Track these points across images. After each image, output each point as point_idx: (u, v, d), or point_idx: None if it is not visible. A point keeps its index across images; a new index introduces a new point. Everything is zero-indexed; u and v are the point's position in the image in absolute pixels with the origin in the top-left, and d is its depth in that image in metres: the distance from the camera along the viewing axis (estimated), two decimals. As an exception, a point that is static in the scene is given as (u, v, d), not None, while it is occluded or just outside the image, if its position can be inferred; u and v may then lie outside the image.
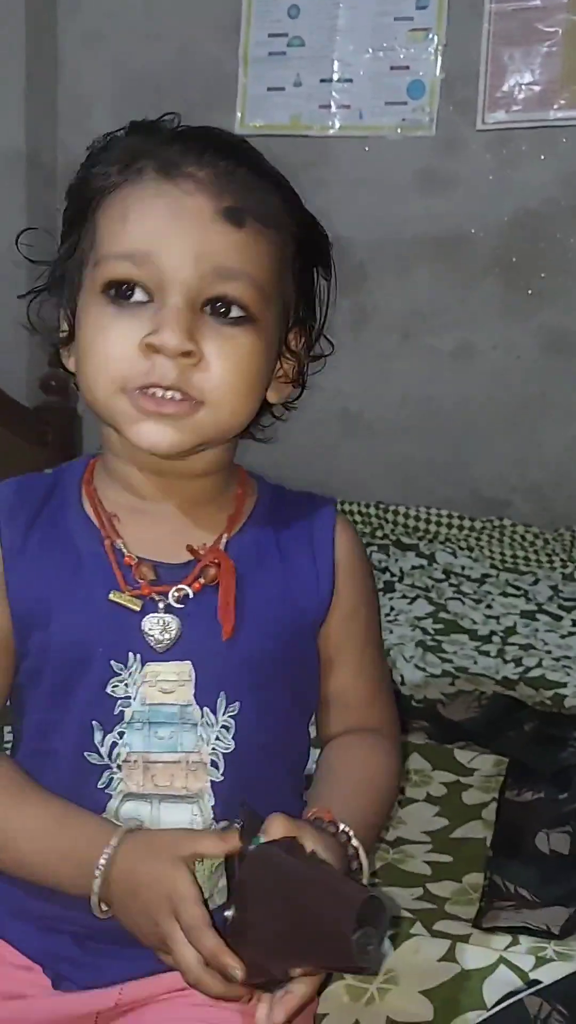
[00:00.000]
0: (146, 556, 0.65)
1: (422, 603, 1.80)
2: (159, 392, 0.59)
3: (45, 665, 0.64)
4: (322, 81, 2.38)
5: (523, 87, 2.24)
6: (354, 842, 0.64)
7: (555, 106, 2.22)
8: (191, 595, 0.64)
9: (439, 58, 2.29)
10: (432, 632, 1.66)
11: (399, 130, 2.34)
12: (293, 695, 0.70)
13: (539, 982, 0.71)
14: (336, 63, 2.36)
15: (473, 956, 0.74)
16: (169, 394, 0.59)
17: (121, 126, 0.68)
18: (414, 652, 1.53)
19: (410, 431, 2.40)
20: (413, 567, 2.01)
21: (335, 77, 2.36)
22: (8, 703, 0.70)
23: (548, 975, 0.71)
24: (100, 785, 0.63)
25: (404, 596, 1.84)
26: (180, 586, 0.64)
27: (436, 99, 2.30)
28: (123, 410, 0.61)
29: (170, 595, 0.64)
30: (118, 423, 0.62)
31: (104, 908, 0.60)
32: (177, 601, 0.64)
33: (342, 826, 0.64)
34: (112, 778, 0.63)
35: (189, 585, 0.64)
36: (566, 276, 2.25)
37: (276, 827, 0.58)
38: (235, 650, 0.64)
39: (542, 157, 2.25)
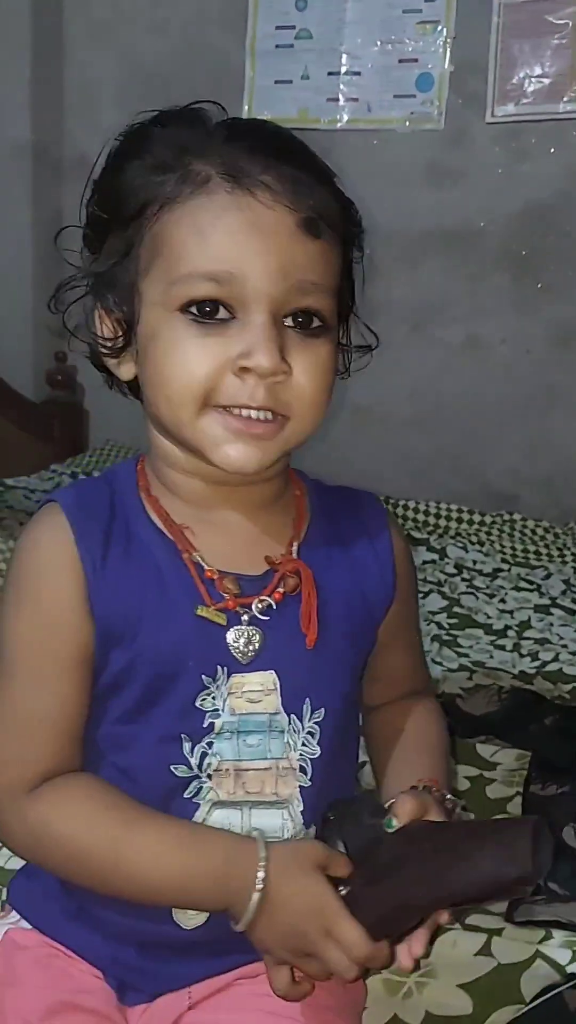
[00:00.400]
0: (223, 568, 0.64)
1: (435, 598, 1.80)
2: (248, 412, 0.59)
3: (129, 680, 0.63)
4: (330, 74, 2.37)
5: (532, 80, 2.23)
6: (458, 809, 0.66)
7: (565, 99, 2.21)
8: (273, 605, 0.64)
9: (448, 51, 2.28)
10: (447, 627, 1.66)
11: (408, 123, 2.33)
12: (359, 697, 0.72)
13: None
14: (344, 56, 2.35)
15: (509, 950, 0.74)
16: (258, 414, 0.59)
17: (135, 116, 0.65)
18: (430, 647, 1.53)
19: (420, 424, 2.39)
20: (425, 562, 2.01)
21: (343, 70, 2.35)
22: None
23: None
24: (187, 795, 0.63)
25: (418, 591, 1.84)
26: (262, 598, 0.64)
27: (445, 92, 2.29)
28: (211, 432, 0.59)
29: (253, 607, 0.63)
30: (203, 445, 0.60)
31: (238, 923, 0.60)
32: (260, 612, 0.63)
33: (448, 795, 0.66)
34: (201, 787, 0.63)
35: (270, 596, 0.64)
36: (574, 269, 2.24)
37: (407, 807, 0.60)
38: (319, 657, 0.65)
39: (552, 150, 2.24)
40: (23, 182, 2.47)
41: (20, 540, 0.65)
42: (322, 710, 0.65)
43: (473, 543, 2.14)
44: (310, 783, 0.64)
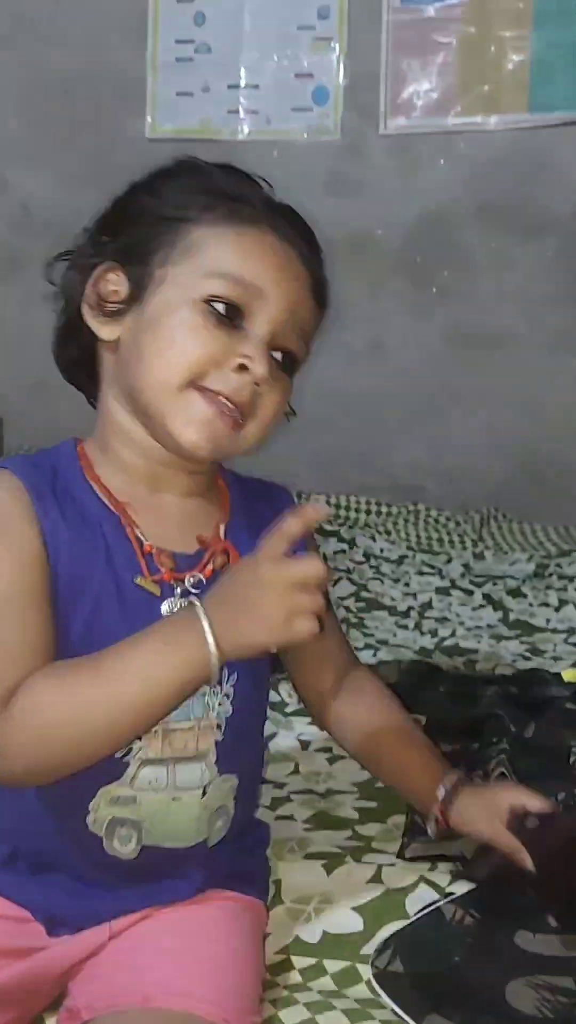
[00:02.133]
0: (159, 545, 0.71)
1: (345, 584, 1.90)
2: (224, 403, 0.68)
3: (68, 643, 0.67)
4: (230, 87, 2.46)
5: (422, 94, 2.36)
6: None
7: (452, 112, 2.35)
8: (204, 580, 0.72)
9: (341, 66, 2.40)
10: (355, 610, 1.77)
11: (305, 135, 2.44)
12: (266, 663, 0.80)
13: (453, 894, 0.81)
14: (243, 70, 2.44)
15: (397, 876, 0.84)
16: (231, 407, 0.68)
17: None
18: (338, 629, 1.63)
19: (328, 423, 2.49)
20: (335, 552, 2.11)
21: (242, 83, 2.45)
22: None
23: (463, 890, 0.82)
24: (119, 755, 0.69)
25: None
26: (194, 573, 0.71)
27: (340, 105, 2.41)
28: (186, 407, 0.68)
29: (186, 581, 0.71)
30: (172, 417, 0.68)
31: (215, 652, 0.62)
32: (192, 586, 0.71)
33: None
34: (131, 747, 0.69)
35: (201, 572, 0.72)
36: (467, 274, 2.39)
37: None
38: None
39: (442, 161, 2.38)
40: None
41: None
42: (235, 674, 0.73)
43: (380, 533, 2.25)
44: (223, 737, 0.73)
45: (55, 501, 0.68)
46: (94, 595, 0.68)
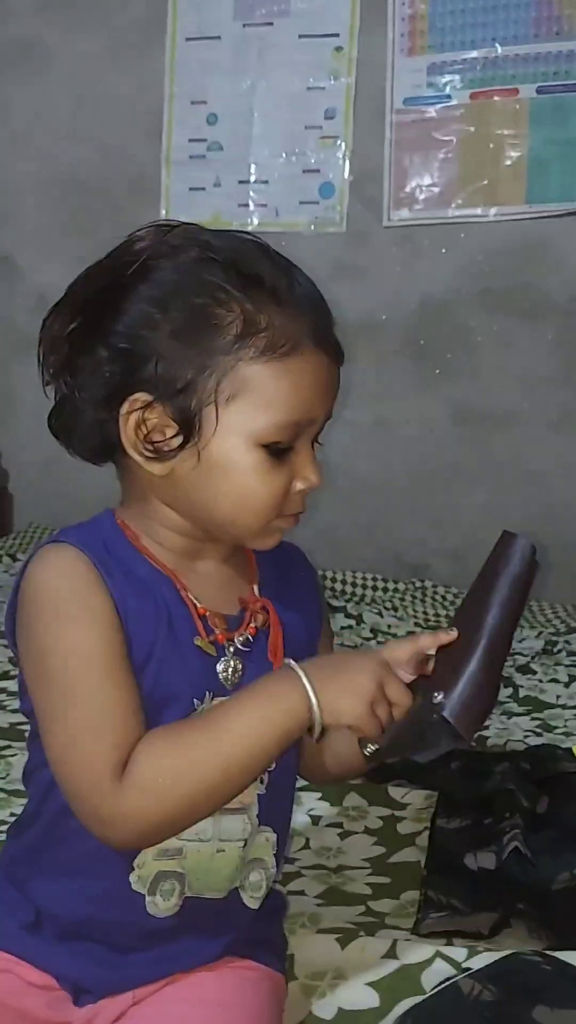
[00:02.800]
0: (210, 607, 0.74)
1: (352, 660, 1.90)
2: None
3: (145, 701, 0.69)
4: (240, 182, 2.57)
5: (423, 188, 2.47)
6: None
7: (453, 205, 2.45)
8: (251, 639, 0.74)
9: (347, 162, 2.51)
10: (363, 686, 1.76)
11: (312, 226, 2.54)
12: None
13: (471, 969, 0.81)
14: (253, 166, 2.56)
15: (412, 951, 0.83)
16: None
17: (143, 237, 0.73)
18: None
19: (335, 500, 2.53)
20: (342, 627, 2.12)
21: (252, 179, 2.56)
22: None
23: (480, 964, 0.81)
24: None
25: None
26: (241, 632, 0.74)
27: (345, 199, 2.51)
28: (267, 532, 0.72)
29: (236, 640, 0.74)
30: (250, 539, 0.73)
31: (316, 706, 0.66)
32: (242, 644, 0.74)
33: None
34: None
35: (246, 630, 0.74)
36: (468, 356, 2.45)
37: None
38: None
39: (443, 250, 2.47)
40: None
41: (36, 575, 0.69)
42: None
43: (387, 608, 2.26)
44: (266, 790, 0.74)
45: (113, 570, 0.70)
46: (159, 658, 0.71)
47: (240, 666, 0.74)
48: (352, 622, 2.16)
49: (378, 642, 2.04)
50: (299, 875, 1.03)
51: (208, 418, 0.69)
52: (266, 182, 2.56)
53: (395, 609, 2.27)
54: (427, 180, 2.46)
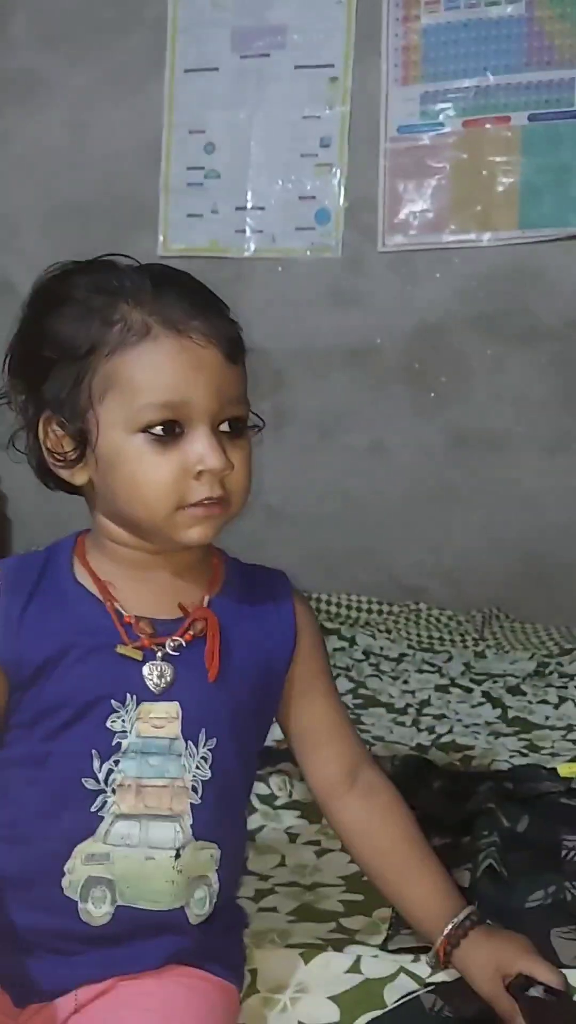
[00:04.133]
0: (141, 614, 0.76)
1: (342, 681, 1.89)
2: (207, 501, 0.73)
3: (61, 706, 0.74)
4: (237, 209, 2.61)
5: (417, 214, 2.50)
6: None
7: (447, 230, 2.48)
8: (184, 645, 0.76)
9: (342, 189, 2.54)
10: (351, 707, 1.75)
11: (308, 252, 2.57)
12: (259, 731, 0.83)
13: (433, 984, 0.80)
14: (250, 193, 2.60)
15: (377, 966, 0.82)
16: (214, 499, 0.73)
17: (54, 258, 0.79)
18: (334, 724, 1.62)
19: (330, 523, 2.54)
20: (335, 649, 2.11)
21: (249, 205, 2.60)
22: None
23: (442, 979, 0.80)
24: (93, 809, 0.72)
25: (326, 653, 1.93)
26: (174, 637, 0.76)
27: (341, 225, 2.54)
28: (180, 523, 0.73)
29: (167, 645, 0.75)
30: (169, 533, 0.73)
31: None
32: (172, 650, 0.76)
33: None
34: (106, 801, 0.73)
35: (181, 637, 0.76)
36: (464, 379, 2.47)
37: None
38: (217, 693, 0.77)
39: (438, 275, 2.49)
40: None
41: None
42: (215, 739, 0.76)
43: (381, 631, 2.26)
44: (200, 801, 0.75)
45: (28, 595, 0.75)
46: (70, 663, 0.74)
47: (170, 671, 0.75)
48: (345, 644, 2.15)
49: (370, 664, 2.04)
50: (272, 892, 1.02)
51: (92, 421, 0.73)
52: (263, 208, 2.59)
53: (388, 632, 2.26)
54: (421, 206, 2.49)
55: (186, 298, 0.73)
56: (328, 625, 2.28)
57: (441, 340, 2.48)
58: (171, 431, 0.72)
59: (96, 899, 0.72)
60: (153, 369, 0.71)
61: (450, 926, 0.81)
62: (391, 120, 2.51)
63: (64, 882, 0.72)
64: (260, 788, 1.27)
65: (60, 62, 2.67)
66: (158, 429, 0.71)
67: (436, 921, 0.82)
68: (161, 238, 2.64)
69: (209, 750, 0.75)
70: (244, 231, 2.60)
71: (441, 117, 2.47)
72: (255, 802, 1.25)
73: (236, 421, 0.75)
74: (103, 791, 0.73)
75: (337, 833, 0.88)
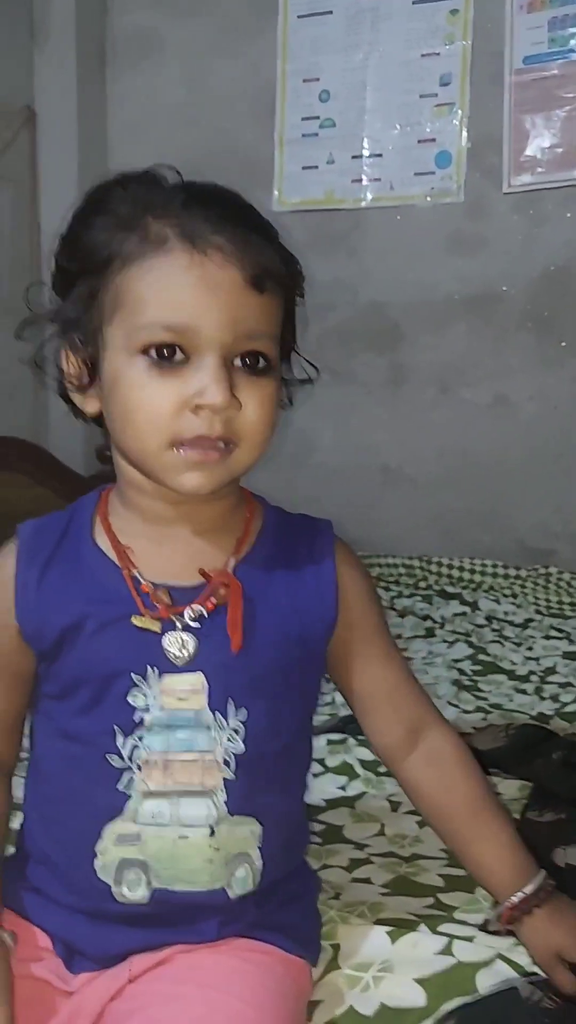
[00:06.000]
0: (161, 581, 0.70)
1: (461, 646, 1.81)
2: (205, 441, 0.66)
3: (79, 681, 0.70)
4: (353, 157, 2.51)
5: (545, 150, 2.33)
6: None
7: (578, 166, 2.30)
8: (205, 614, 0.70)
9: (464, 129, 2.40)
10: (469, 673, 1.67)
11: (428, 198, 2.44)
12: (302, 702, 0.76)
13: (536, 974, 0.72)
14: (366, 140, 2.49)
15: (470, 950, 0.75)
16: (214, 443, 0.66)
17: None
18: (448, 690, 1.54)
19: (450, 483, 2.43)
20: (455, 614, 2.02)
21: (365, 153, 2.49)
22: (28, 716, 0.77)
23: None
24: (120, 787, 0.68)
25: (444, 641, 1.85)
26: (194, 606, 0.70)
27: (463, 167, 2.40)
28: (171, 463, 0.66)
29: (185, 614, 0.69)
30: (162, 474, 0.67)
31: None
32: (193, 620, 0.70)
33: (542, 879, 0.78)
34: (132, 779, 0.68)
35: (203, 605, 0.70)
36: (596, 326, 2.29)
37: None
38: (243, 662, 0.70)
39: (568, 215, 2.32)
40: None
41: None
42: (244, 710, 0.70)
43: (507, 596, 2.14)
44: (233, 776, 0.69)
45: (46, 560, 0.72)
46: (88, 635, 0.70)
47: (192, 642, 0.69)
48: (467, 609, 2.06)
49: (492, 629, 1.94)
50: (368, 862, 0.96)
51: (100, 342, 0.67)
52: (379, 155, 2.48)
53: (515, 596, 2.14)
54: (549, 141, 2.32)
55: (216, 212, 0.65)
56: (449, 589, 2.18)
57: (571, 285, 2.31)
58: (172, 355, 0.64)
59: (130, 882, 0.68)
60: (159, 285, 0.64)
61: (520, 895, 0.75)
62: (516, 51, 2.34)
63: (97, 864, 0.69)
64: (363, 753, 1.22)
65: (173, 18, 2.63)
66: (156, 352, 0.64)
67: (503, 887, 0.77)
68: (276, 192, 2.57)
69: (241, 722, 0.70)
70: (360, 180, 2.50)
71: (573, 43, 2.28)
72: (357, 767, 1.19)
73: (256, 356, 0.67)
74: (127, 768, 0.69)
75: (406, 793, 0.82)
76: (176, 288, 0.64)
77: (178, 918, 0.68)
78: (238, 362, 0.66)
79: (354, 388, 2.51)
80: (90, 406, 0.71)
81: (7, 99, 2.54)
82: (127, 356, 0.65)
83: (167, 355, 0.64)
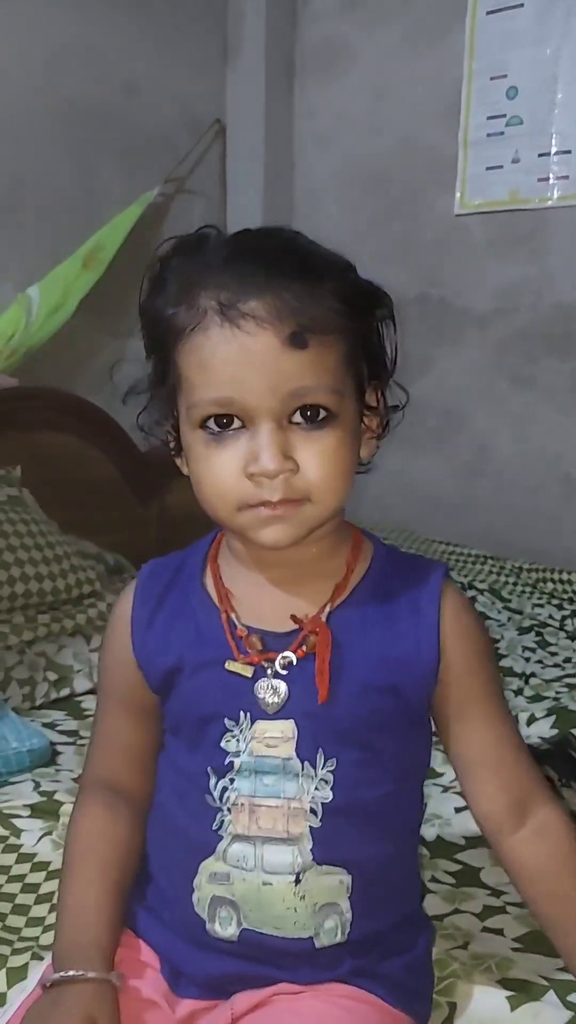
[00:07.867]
0: (257, 626, 0.72)
1: None
2: (269, 506, 0.66)
3: (182, 722, 0.74)
4: (540, 155, 2.41)
5: None
6: None
7: None
8: (295, 661, 0.71)
9: None
10: None
11: (621, 195, 2.31)
12: (406, 751, 0.74)
13: None
14: (555, 137, 2.39)
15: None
16: (277, 501, 0.66)
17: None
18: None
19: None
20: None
21: (553, 150, 2.39)
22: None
23: None
24: (214, 827, 0.71)
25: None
26: (285, 654, 0.71)
27: None
28: (247, 522, 0.67)
29: (276, 661, 0.71)
30: (241, 532, 0.69)
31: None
32: (283, 667, 0.71)
33: None
34: (223, 820, 0.70)
35: (294, 652, 0.71)
36: None
37: None
38: (329, 712, 0.70)
39: None
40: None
41: None
42: (334, 760, 0.70)
43: None
44: (320, 824, 0.69)
45: (157, 601, 0.76)
46: (188, 677, 0.73)
47: (284, 688, 0.70)
48: None
49: None
50: (503, 911, 0.93)
51: (176, 413, 0.70)
52: (568, 152, 2.37)
53: None
54: None
55: (251, 272, 0.64)
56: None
57: None
58: (226, 425, 0.65)
59: (223, 919, 0.70)
60: (199, 364, 0.65)
61: None
62: None
63: (194, 898, 0.71)
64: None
65: (362, 25, 2.63)
66: (211, 424, 0.66)
67: None
68: (458, 195, 2.52)
69: (330, 771, 0.70)
70: (547, 178, 2.40)
71: None
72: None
73: (314, 409, 0.65)
74: (219, 809, 0.71)
75: (506, 871, 0.76)
76: (215, 366, 0.65)
77: (267, 958, 0.70)
78: (298, 417, 0.66)
79: (535, 395, 2.42)
80: (184, 470, 0.73)
81: (200, 115, 2.64)
82: (191, 429, 0.68)
83: (225, 424, 0.66)
